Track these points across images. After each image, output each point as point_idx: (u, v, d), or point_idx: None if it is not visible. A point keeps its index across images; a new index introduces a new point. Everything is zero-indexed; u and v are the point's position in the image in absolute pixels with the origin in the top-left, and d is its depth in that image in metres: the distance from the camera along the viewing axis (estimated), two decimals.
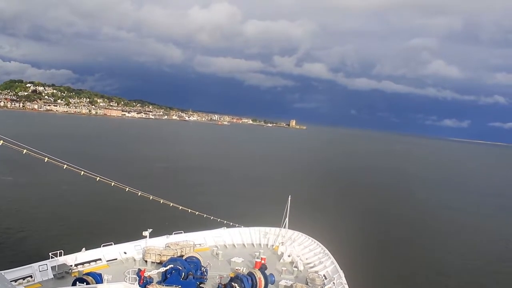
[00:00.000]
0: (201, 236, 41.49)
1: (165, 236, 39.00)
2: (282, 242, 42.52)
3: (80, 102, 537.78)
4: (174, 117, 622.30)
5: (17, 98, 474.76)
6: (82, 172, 31.58)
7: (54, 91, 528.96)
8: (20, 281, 28.31)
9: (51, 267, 30.09)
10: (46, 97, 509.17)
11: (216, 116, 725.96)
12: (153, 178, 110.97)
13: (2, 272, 25.82)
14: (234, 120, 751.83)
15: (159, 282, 29.00)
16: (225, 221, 43.80)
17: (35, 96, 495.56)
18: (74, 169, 30.77)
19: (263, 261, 35.45)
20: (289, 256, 39.55)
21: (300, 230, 44.84)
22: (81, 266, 31.94)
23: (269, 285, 31.27)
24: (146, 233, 35.96)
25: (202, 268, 32.19)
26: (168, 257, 33.21)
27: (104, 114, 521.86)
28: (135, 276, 28.38)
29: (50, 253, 30.36)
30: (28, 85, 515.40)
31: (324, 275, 34.60)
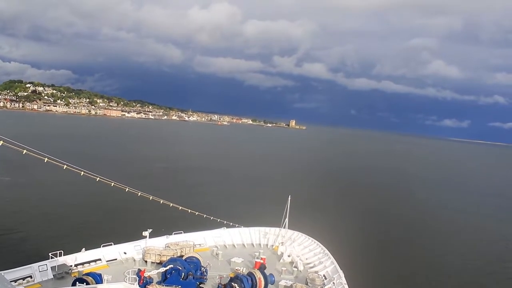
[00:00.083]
0: (201, 236, 41.50)
1: (165, 236, 39.01)
2: (282, 242, 42.52)
3: (80, 102, 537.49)
4: (173, 117, 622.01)
5: (16, 98, 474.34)
6: (82, 173, 31.53)
7: (54, 91, 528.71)
8: (20, 281, 28.28)
9: (51, 267, 30.08)
10: (45, 97, 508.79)
11: (216, 116, 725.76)
12: (153, 178, 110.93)
13: (2, 272, 25.83)
14: (234, 120, 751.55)
15: (159, 282, 28.98)
16: (225, 221, 43.80)
17: (35, 96, 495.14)
18: (74, 169, 30.74)
19: (262, 261, 35.44)
20: (289, 256, 39.55)
21: (300, 230, 44.85)
22: (81, 266, 31.94)
23: (269, 285, 31.26)
24: (146, 233, 35.95)
25: (202, 268, 32.19)
26: (168, 257, 33.21)
27: (104, 114, 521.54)
28: (135, 276, 28.36)
29: (50, 253, 30.36)
30: (28, 85, 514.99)
31: (324, 275, 34.60)
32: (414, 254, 69.59)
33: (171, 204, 39.52)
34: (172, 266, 30.34)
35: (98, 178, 32.74)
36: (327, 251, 39.12)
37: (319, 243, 41.52)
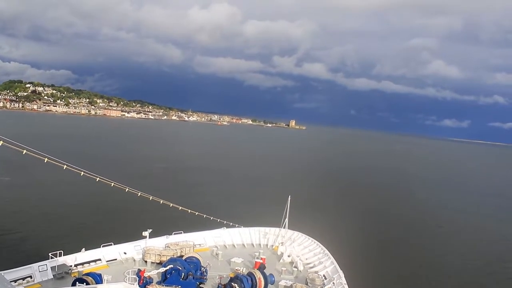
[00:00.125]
0: (201, 236, 41.49)
1: (165, 236, 39.00)
2: (282, 242, 42.51)
3: (80, 102, 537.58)
4: (173, 118, 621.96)
5: (16, 98, 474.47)
6: (82, 173, 31.53)
7: (54, 91, 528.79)
8: (20, 281, 28.27)
9: (51, 267, 30.07)
10: (45, 97, 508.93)
11: (216, 117, 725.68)
12: (152, 178, 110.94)
13: (2, 272, 25.81)
14: (234, 120, 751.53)
15: (159, 283, 28.96)
16: (225, 221, 43.78)
17: (35, 96, 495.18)
18: (74, 169, 30.74)
19: (262, 261, 35.45)
20: (289, 256, 39.53)
21: (300, 230, 44.83)
22: (81, 266, 31.92)
23: (269, 285, 31.24)
24: (145, 233, 35.93)
25: (202, 268, 32.17)
26: (168, 257, 33.18)
27: (104, 114, 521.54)
28: (134, 276, 28.35)
29: (49, 254, 30.34)
30: (28, 85, 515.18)
31: (324, 275, 34.59)
32: (414, 254, 69.61)
33: (171, 204, 39.52)
34: (172, 266, 30.32)
35: (98, 178, 32.74)
36: (327, 251, 39.10)
37: (319, 243, 41.50)
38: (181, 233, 39.74)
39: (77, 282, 26.14)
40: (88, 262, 32.64)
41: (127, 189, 35.46)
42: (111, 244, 34.80)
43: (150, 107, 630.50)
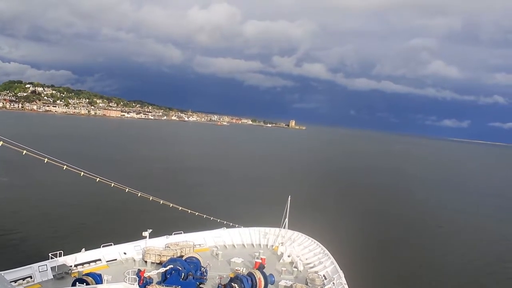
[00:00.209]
0: (201, 236, 41.50)
1: (165, 236, 39.01)
2: (282, 243, 42.51)
3: (79, 102, 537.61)
4: (173, 118, 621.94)
5: (16, 98, 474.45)
6: (82, 173, 31.53)
7: (54, 91, 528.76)
8: (20, 281, 28.28)
9: (51, 267, 30.08)
10: (45, 97, 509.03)
11: (216, 117, 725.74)
12: (152, 178, 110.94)
13: (2, 272, 25.85)
14: (234, 121, 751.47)
15: (159, 283, 28.97)
16: (225, 222, 43.78)
17: (34, 96, 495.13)
18: (74, 170, 30.75)
19: (261, 261, 35.48)
20: (289, 256, 39.54)
21: (300, 230, 44.84)
22: (81, 266, 31.93)
23: (269, 285, 31.26)
24: (145, 234, 35.95)
25: (202, 269, 32.19)
26: (168, 258, 33.20)
27: (103, 114, 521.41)
28: (134, 276, 28.36)
29: (49, 254, 30.34)
30: (28, 85, 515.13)
31: (324, 275, 34.60)
32: (414, 254, 69.62)
33: (171, 205, 39.54)
34: (172, 266, 30.33)
35: (98, 179, 32.76)
36: (327, 251, 39.11)
37: (319, 243, 41.51)
38: (181, 233, 39.75)
39: (77, 282, 26.16)
40: (88, 262, 32.65)
41: (127, 189, 35.48)
42: (111, 244, 34.81)
43: (150, 108, 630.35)
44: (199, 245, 40.34)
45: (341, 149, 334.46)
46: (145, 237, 36.10)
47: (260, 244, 43.46)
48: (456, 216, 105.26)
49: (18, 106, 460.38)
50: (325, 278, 34.02)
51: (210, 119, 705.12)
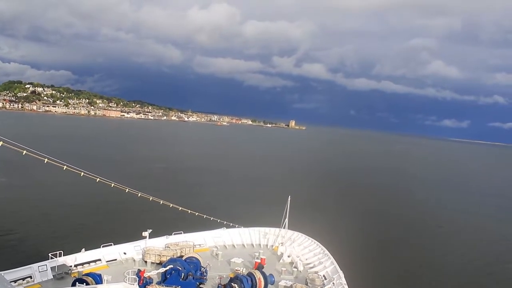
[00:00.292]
0: (201, 236, 41.49)
1: (165, 236, 39.01)
2: (282, 243, 42.51)
3: (79, 103, 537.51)
4: (173, 118, 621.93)
5: (16, 99, 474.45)
6: (82, 173, 31.52)
7: (53, 92, 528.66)
8: (20, 281, 28.28)
9: (51, 267, 30.07)
10: (45, 98, 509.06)
11: (216, 117, 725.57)
12: (152, 179, 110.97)
13: (2, 272, 25.85)
14: (234, 121, 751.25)
15: (158, 283, 28.98)
16: (224, 222, 43.77)
17: (34, 97, 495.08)
18: (74, 170, 30.73)
19: (260, 261, 35.52)
20: (288, 256, 39.53)
21: (300, 230, 44.84)
22: (81, 266, 31.92)
23: (269, 285, 31.25)
24: (145, 234, 35.93)
25: (202, 269, 32.19)
26: (168, 258, 33.20)
27: (103, 115, 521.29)
28: (134, 276, 28.36)
29: (49, 254, 30.34)
30: (27, 86, 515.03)
31: (323, 276, 34.60)
32: (414, 254, 69.66)
33: (171, 205, 39.52)
34: (172, 266, 30.34)
35: (98, 179, 32.76)
36: (327, 252, 39.10)
37: (319, 243, 41.50)
38: (181, 233, 39.75)
39: (77, 283, 26.17)
40: (88, 262, 32.65)
41: (127, 190, 35.47)
42: (111, 244, 34.81)
43: (149, 108, 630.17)
44: (199, 245, 40.34)
45: (341, 149, 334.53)
46: (145, 237, 36.09)
47: (260, 244, 43.45)
48: (456, 216, 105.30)
49: (18, 106, 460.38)
50: (325, 278, 34.01)
51: (210, 119, 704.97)
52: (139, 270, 29.74)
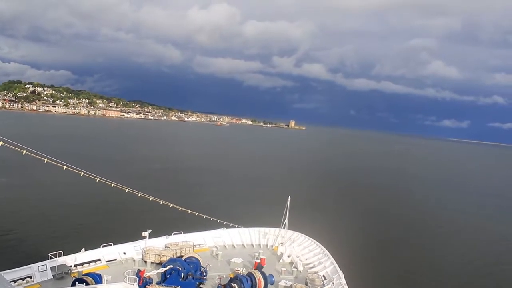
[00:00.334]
0: (201, 236, 41.50)
1: (165, 236, 39.01)
2: (282, 243, 42.51)
3: (79, 103, 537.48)
4: (173, 118, 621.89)
5: (15, 99, 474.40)
6: (82, 173, 31.52)
7: (53, 92, 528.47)
8: (20, 281, 28.28)
9: (51, 267, 30.07)
10: (45, 98, 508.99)
11: (215, 117, 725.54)
12: (152, 179, 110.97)
13: (2, 272, 25.85)
14: (234, 121, 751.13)
15: (158, 283, 28.98)
16: (224, 222, 43.77)
17: (34, 97, 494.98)
18: (73, 170, 30.73)
19: (259, 261, 35.56)
20: (288, 256, 39.54)
21: (300, 230, 44.84)
22: (81, 266, 31.93)
23: (269, 285, 31.27)
24: (145, 234, 35.93)
25: (202, 269, 32.20)
26: (168, 258, 33.21)
27: (103, 115, 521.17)
28: (134, 276, 28.38)
29: (49, 254, 30.34)
30: (27, 86, 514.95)
31: (323, 276, 34.61)
32: (414, 254, 69.65)
33: (171, 205, 39.52)
34: (171, 266, 30.34)
35: (98, 179, 32.76)
36: (326, 252, 39.10)
37: (318, 243, 41.51)
38: (180, 233, 39.75)
39: (76, 282, 26.16)
40: (88, 262, 32.65)
41: (127, 190, 35.46)
42: (110, 244, 34.82)
43: (149, 108, 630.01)
44: (199, 245, 40.35)
45: (341, 149, 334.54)
46: (145, 237, 36.08)
47: (260, 244, 43.46)
48: (456, 216, 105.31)
49: (18, 106, 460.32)
50: (325, 279, 34.02)
51: (210, 119, 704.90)
52: (139, 270, 29.75)
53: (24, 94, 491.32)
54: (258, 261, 35.61)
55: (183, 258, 33.21)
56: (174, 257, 33.96)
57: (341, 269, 34.86)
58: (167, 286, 27.89)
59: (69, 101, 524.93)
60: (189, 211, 41.48)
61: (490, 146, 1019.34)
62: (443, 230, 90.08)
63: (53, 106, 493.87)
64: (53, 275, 29.94)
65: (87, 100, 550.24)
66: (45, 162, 27.88)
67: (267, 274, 31.67)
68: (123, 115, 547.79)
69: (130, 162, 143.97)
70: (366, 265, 55.99)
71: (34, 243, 55.36)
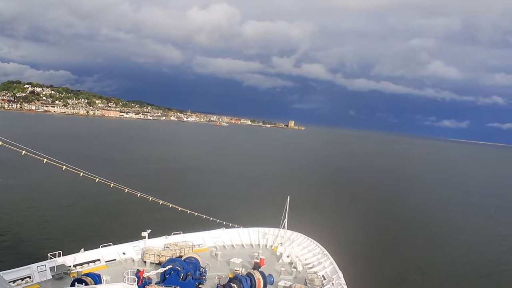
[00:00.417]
0: (200, 236, 41.46)
1: (164, 236, 38.97)
2: (281, 243, 42.50)
3: (78, 103, 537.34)
4: (172, 118, 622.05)
5: (14, 99, 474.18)
6: (81, 173, 31.48)
7: (52, 92, 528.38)
8: (19, 282, 28.22)
9: (50, 267, 30.01)
10: (44, 98, 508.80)
11: (215, 117, 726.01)
12: (152, 179, 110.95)
13: (1, 273, 25.89)
14: (233, 121, 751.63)
15: (158, 283, 28.96)
16: (224, 222, 43.73)
17: (33, 97, 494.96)
18: (73, 170, 30.69)
19: (258, 261, 35.55)
20: (288, 256, 39.53)
21: (299, 230, 44.82)
22: (80, 266, 31.87)
23: (268, 285, 31.26)
24: (145, 234, 35.89)
25: (201, 269, 32.17)
26: (167, 258, 33.17)
27: (102, 115, 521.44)
28: (134, 276, 28.36)
29: (48, 254, 30.28)
30: (26, 86, 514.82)
31: (323, 276, 34.60)
32: (413, 255, 69.71)
33: (170, 205, 39.50)
34: (171, 266, 30.30)
35: (97, 179, 32.73)
36: (326, 252, 39.08)
37: (318, 243, 41.48)
38: (180, 233, 39.71)
39: (76, 283, 26.09)
40: (87, 263, 32.60)
41: (126, 190, 35.42)
42: (110, 245, 34.77)
43: (149, 108, 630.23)
44: (198, 245, 40.30)
45: (341, 149, 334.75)
46: (144, 237, 36.04)
47: (259, 245, 43.45)
48: (456, 216, 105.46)
49: (16, 106, 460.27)
50: (324, 279, 34.01)
51: (209, 119, 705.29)
52: (138, 270, 29.74)
53: (23, 94, 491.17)
54: (258, 261, 35.61)
55: (183, 258, 33.18)
56: (174, 257, 33.91)
57: (340, 269, 34.83)
58: (166, 286, 27.85)
59: (68, 101, 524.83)
60: (188, 211, 41.45)
61: (490, 146, 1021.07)
62: (442, 230, 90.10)
63: (52, 106, 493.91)
64: (52, 275, 29.88)
65: (86, 100, 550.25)
66: (44, 162, 27.86)
67: (266, 274, 31.68)
68: (122, 115, 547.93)
69: (130, 162, 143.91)
70: (365, 265, 56.00)
71: (33, 243, 55.31)
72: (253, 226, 45.27)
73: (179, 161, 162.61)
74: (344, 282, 32.66)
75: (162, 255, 34.59)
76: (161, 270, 30.11)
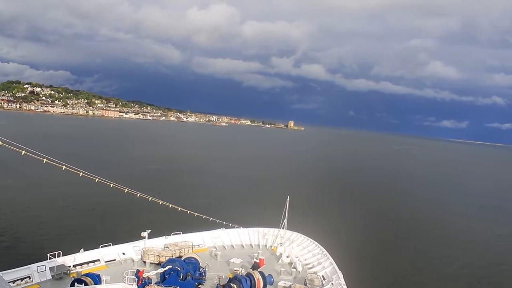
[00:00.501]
0: (200, 237, 41.46)
1: (164, 237, 38.97)
2: (281, 243, 42.50)
3: (78, 103, 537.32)
4: (171, 118, 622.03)
5: (14, 99, 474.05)
6: (81, 173, 31.46)
7: (52, 92, 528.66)
8: (18, 282, 28.22)
9: (50, 268, 30.01)
10: (43, 98, 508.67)
11: (214, 117, 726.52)
12: (152, 179, 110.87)
13: (1, 273, 25.89)
14: (232, 121, 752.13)
15: (157, 283, 28.96)
16: (223, 222, 43.72)
17: (33, 97, 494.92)
18: (72, 170, 30.67)
19: (257, 261, 35.54)
20: (287, 257, 39.53)
21: (299, 231, 44.81)
22: (80, 267, 31.87)
23: (268, 286, 31.26)
24: (144, 234, 35.86)
25: (201, 269, 32.19)
26: (167, 258, 33.17)
27: (102, 115, 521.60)
28: (133, 277, 28.37)
29: (48, 254, 30.28)
30: (26, 86, 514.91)
31: (322, 276, 34.60)
32: (413, 255, 69.72)
33: (170, 205, 39.49)
34: (170, 266, 30.31)
35: (97, 179, 32.72)
36: (325, 252, 39.08)
37: (317, 243, 41.49)
38: (180, 233, 39.72)
39: (75, 283, 26.10)
40: (87, 263, 32.60)
41: (126, 190, 35.40)
42: (110, 245, 34.77)
43: (148, 108, 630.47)
44: (198, 245, 40.30)
45: (340, 149, 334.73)
46: (144, 238, 36.02)
47: (259, 245, 43.44)
48: (455, 216, 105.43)
49: (16, 106, 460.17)
50: (324, 279, 34.02)
51: (209, 119, 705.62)
52: (138, 271, 29.74)
53: (23, 94, 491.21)
54: (257, 261, 35.62)
55: (182, 259, 33.18)
56: (173, 257, 33.90)
57: (340, 270, 34.83)
58: (166, 286, 27.87)
59: (68, 101, 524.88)
60: (188, 212, 41.44)
61: (489, 146, 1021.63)
62: (442, 230, 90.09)
63: (51, 106, 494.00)
64: (52, 276, 29.88)
65: (85, 100, 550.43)
66: (44, 162, 27.85)
67: (266, 275, 31.67)
68: (122, 115, 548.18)
69: (129, 162, 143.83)
70: (365, 266, 56.00)
71: (33, 244, 55.25)
72: (252, 226, 45.26)
73: (178, 161, 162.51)
74: (344, 282, 32.66)
75: (162, 255, 34.58)
76: (161, 270, 30.11)
